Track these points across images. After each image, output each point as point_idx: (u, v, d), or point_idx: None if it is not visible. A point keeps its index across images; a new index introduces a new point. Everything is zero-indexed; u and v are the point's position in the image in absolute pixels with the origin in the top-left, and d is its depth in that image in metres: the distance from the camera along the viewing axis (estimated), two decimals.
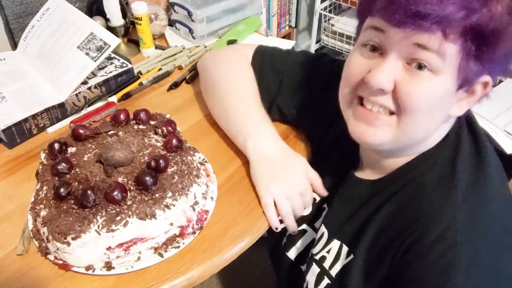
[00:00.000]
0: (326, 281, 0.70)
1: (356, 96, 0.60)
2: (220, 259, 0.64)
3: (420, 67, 0.53)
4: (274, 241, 0.88)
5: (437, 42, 0.50)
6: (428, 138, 0.61)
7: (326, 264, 0.71)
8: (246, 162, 0.76)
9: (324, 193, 0.73)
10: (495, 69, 0.54)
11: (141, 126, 0.75)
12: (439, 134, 0.62)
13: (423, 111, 0.55)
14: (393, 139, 0.59)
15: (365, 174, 0.71)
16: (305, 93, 0.79)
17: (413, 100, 0.54)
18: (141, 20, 1.06)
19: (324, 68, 0.78)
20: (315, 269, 0.72)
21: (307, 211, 0.81)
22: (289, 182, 0.68)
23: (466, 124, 0.64)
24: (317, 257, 0.72)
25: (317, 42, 2.26)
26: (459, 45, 0.51)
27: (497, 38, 0.50)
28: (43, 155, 0.70)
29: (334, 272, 0.69)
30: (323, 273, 0.71)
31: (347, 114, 0.63)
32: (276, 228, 0.69)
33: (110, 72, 0.94)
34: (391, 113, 0.57)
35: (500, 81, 1.55)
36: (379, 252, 0.62)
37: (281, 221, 0.71)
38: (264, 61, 0.83)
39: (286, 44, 1.24)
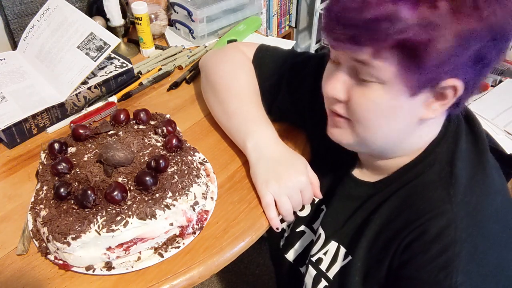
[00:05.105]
0: (323, 283, 0.70)
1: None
2: (220, 259, 0.64)
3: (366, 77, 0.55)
4: (273, 242, 0.88)
5: (369, 57, 0.53)
6: (407, 140, 0.61)
7: (323, 266, 0.71)
8: (246, 162, 0.76)
9: (320, 195, 0.73)
10: (450, 73, 0.52)
11: (141, 126, 0.75)
12: (429, 133, 0.62)
13: (373, 120, 0.57)
14: (356, 143, 0.62)
15: (365, 176, 0.71)
16: (305, 94, 0.79)
17: (361, 110, 0.57)
18: (141, 20, 1.06)
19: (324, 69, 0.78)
20: (311, 271, 0.72)
21: (305, 212, 0.81)
22: (289, 179, 0.68)
23: (465, 121, 0.64)
24: (314, 259, 0.72)
25: (317, 42, 2.26)
26: (390, 57, 0.52)
27: (425, 47, 0.50)
28: (43, 155, 0.70)
29: (331, 274, 0.69)
30: (320, 275, 0.70)
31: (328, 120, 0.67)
32: (277, 228, 0.69)
33: (110, 72, 0.94)
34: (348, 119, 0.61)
35: (500, 81, 1.55)
36: (378, 252, 0.62)
37: (281, 220, 0.70)
38: (265, 61, 0.83)
39: (286, 44, 1.24)
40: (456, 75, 0.52)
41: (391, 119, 0.57)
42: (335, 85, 0.59)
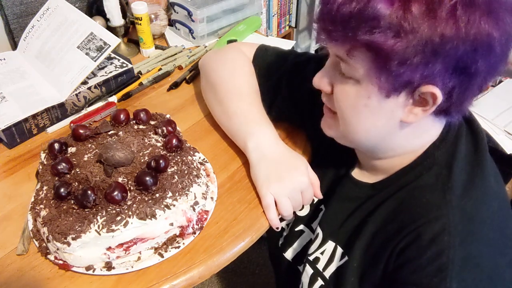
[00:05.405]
0: (319, 282, 0.70)
1: None
2: (220, 259, 0.64)
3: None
4: (272, 241, 0.89)
5: (344, 54, 0.55)
6: (392, 140, 0.61)
7: (320, 266, 0.71)
8: (246, 162, 0.76)
9: (320, 196, 0.73)
10: (425, 79, 0.51)
11: (141, 126, 0.75)
12: (423, 135, 0.61)
13: (351, 115, 0.59)
14: (340, 136, 0.65)
15: (364, 177, 0.71)
16: (305, 94, 0.79)
17: (340, 104, 0.60)
18: (141, 20, 1.06)
19: None
20: (308, 270, 0.72)
21: (305, 212, 0.81)
22: (291, 180, 0.68)
23: (466, 124, 0.64)
24: (311, 258, 0.72)
25: (317, 42, 2.26)
26: (361, 57, 0.53)
27: (392, 51, 0.50)
28: (43, 155, 0.70)
29: (328, 273, 0.69)
30: (317, 274, 0.71)
31: None
32: (277, 228, 0.69)
33: (110, 72, 0.94)
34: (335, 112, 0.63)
35: (500, 81, 1.55)
36: (374, 254, 0.62)
37: (280, 219, 0.71)
38: (266, 61, 0.83)
39: (286, 44, 1.24)
40: (433, 82, 0.51)
41: (366, 116, 0.58)
42: (321, 76, 0.62)
